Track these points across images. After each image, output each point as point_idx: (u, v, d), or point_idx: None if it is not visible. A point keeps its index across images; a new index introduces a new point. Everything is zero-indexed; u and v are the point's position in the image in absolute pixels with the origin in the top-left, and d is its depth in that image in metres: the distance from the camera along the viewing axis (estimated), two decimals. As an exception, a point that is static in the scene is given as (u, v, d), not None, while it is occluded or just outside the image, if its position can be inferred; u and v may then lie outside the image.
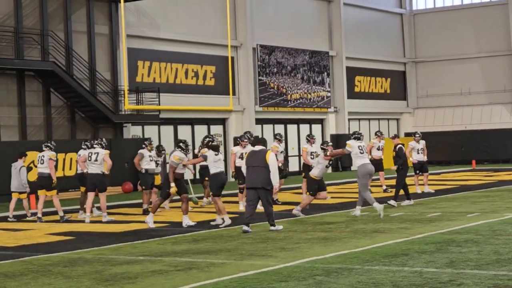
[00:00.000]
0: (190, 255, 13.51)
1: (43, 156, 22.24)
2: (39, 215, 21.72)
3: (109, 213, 21.73)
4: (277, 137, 24.79)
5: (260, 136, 23.52)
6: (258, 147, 17.56)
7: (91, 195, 21.11)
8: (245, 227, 16.89)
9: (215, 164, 18.77)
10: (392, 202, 21.45)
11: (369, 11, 53.16)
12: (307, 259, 12.51)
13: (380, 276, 10.63)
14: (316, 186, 19.67)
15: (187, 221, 18.78)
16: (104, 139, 22.43)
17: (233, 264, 12.39)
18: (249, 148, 22.36)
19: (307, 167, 23.42)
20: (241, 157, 22.19)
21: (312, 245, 14.22)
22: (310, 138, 24.80)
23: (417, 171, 26.62)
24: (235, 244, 14.88)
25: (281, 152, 24.04)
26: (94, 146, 21.67)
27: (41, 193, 22.09)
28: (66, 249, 15.10)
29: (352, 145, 19.34)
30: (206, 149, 19.57)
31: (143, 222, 19.21)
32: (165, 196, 19.49)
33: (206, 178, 22.75)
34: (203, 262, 12.66)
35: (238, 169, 22.43)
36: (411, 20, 56.63)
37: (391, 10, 55.34)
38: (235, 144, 23.89)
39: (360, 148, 19.29)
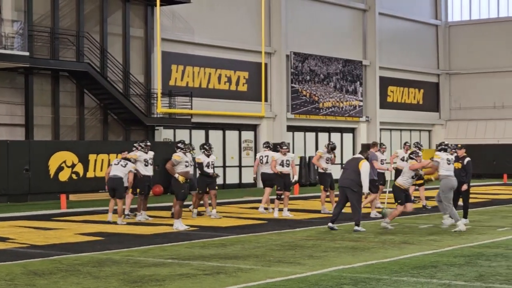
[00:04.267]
0: (218, 260, 13.53)
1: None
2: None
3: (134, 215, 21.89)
4: (379, 147, 24.91)
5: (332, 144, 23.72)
6: (357, 155, 18.99)
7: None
8: (330, 224, 18.49)
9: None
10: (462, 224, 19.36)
11: (404, 22, 52.99)
12: (335, 267, 12.49)
13: (408, 288, 10.60)
14: (403, 195, 18.78)
15: (178, 224, 18.89)
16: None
17: (260, 270, 12.40)
18: (279, 155, 22.64)
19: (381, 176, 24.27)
20: (282, 164, 22.69)
21: (340, 254, 14.20)
22: (381, 147, 25.05)
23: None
24: (263, 250, 14.89)
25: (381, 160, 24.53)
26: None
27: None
28: (95, 249, 15.18)
29: (440, 156, 18.79)
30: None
31: (172, 225, 19.25)
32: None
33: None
34: (231, 267, 12.68)
35: (271, 175, 22.70)
36: (446, 32, 56.37)
37: (427, 21, 55.13)
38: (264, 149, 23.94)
39: (448, 160, 18.70)
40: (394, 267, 12.52)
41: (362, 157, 18.60)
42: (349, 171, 18.38)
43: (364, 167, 18.14)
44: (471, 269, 12.18)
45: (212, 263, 13.11)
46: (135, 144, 22.72)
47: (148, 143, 22.65)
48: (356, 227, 18.19)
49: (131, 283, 11.25)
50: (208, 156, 22.39)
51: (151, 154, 22.45)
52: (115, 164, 21.22)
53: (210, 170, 22.32)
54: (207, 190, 22.41)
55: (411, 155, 19.14)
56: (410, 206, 19.04)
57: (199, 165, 22.21)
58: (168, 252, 14.68)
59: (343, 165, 19.07)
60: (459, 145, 20.83)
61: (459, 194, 19.76)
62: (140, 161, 22.05)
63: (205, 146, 22.66)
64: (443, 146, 19.13)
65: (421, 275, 11.63)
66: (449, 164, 18.78)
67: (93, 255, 14.37)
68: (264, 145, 24.41)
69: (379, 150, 25.16)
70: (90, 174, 31.48)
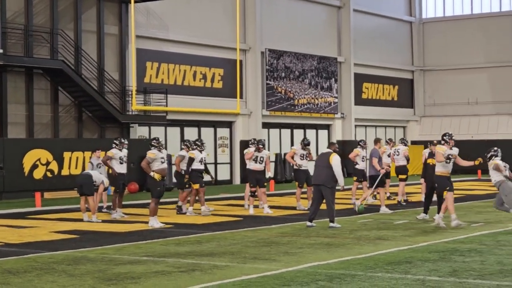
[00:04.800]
0: (193, 257, 13.53)
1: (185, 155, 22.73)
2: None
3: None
4: (360, 143, 25.63)
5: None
6: (325, 150, 18.93)
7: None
8: (308, 223, 18.43)
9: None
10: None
11: (378, 18, 53.17)
12: (310, 264, 12.53)
13: (382, 283, 10.64)
14: (449, 182, 18.32)
15: (154, 222, 18.89)
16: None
17: (236, 267, 12.42)
18: (265, 152, 22.77)
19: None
20: (255, 160, 22.95)
21: (315, 250, 14.24)
22: (363, 144, 25.56)
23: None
24: (239, 247, 14.90)
25: (363, 156, 25.07)
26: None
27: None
28: (70, 247, 15.14)
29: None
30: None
31: (147, 222, 19.21)
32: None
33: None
34: (206, 264, 12.69)
35: (249, 171, 22.80)
36: (420, 28, 56.61)
37: (401, 18, 55.35)
38: (244, 147, 24.10)
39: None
40: (369, 263, 12.58)
41: (331, 151, 18.59)
42: (321, 167, 18.37)
43: (335, 161, 18.13)
44: (445, 265, 12.26)
45: (187, 260, 13.11)
46: (196, 142, 23.07)
47: (123, 141, 22.62)
48: (331, 224, 18.25)
49: (106, 280, 11.23)
50: (200, 152, 22.49)
51: (125, 151, 22.43)
52: (90, 165, 21.41)
53: (202, 166, 22.45)
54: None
55: (443, 137, 18.68)
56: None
57: (190, 160, 22.16)
58: (143, 250, 14.66)
59: (315, 163, 19.13)
60: (435, 141, 20.94)
61: (433, 190, 19.93)
62: (116, 159, 22.02)
63: (197, 142, 22.71)
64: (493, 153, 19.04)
65: (396, 271, 11.69)
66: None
67: (68, 253, 14.33)
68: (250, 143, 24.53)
69: (361, 146, 25.41)
70: (65, 172, 31.36)
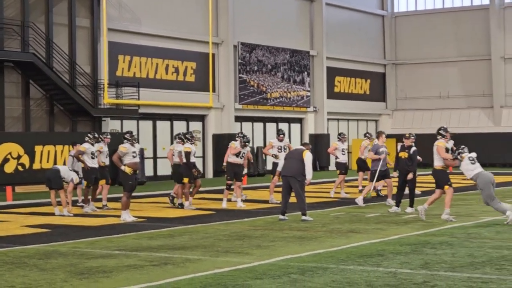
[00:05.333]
0: (166, 251, 13.51)
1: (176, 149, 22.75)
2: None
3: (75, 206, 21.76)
4: (339, 137, 26.26)
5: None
6: (299, 146, 19.07)
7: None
8: (281, 216, 18.47)
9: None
10: (410, 209, 20.14)
11: (351, 12, 53.27)
12: (282, 257, 12.55)
13: (354, 276, 10.68)
14: (447, 176, 18.52)
15: (126, 216, 18.85)
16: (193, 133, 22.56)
17: (208, 260, 12.41)
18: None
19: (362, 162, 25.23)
20: (237, 155, 22.86)
21: (288, 244, 14.26)
22: (342, 137, 26.04)
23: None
24: (211, 240, 14.90)
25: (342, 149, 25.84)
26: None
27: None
28: (42, 241, 15.06)
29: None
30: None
31: (119, 216, 19.15)
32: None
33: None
34: (179, 257, 12.67)
35: (229, 165, 22.77)
36: (392, 22, 56.80)
37: (373, 11, 55.49)
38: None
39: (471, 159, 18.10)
40: (341, 256, 12.62)
41: (305, 148, 18.71)
42: (292, 160, 18.48)
43: (308, 157, 18.30)
44: (417, 257, 12.33)
45: (159, 254, 13.08)
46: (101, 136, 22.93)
47: (96, 135, 22.58)
48: (303, 217, 18.29)
49: (78, 274, 11.19)
50: (191, 145, 22.44)
51: (97, 145, 22.35)
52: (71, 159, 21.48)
53: (194, 160, 22.38)
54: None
55: (439, 131, 18.75)
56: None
57: (187, 154, 22.07)
58: (115, 244, 14.61)
59: (285, 155, 19.32)
60: (406, 135, 21.03)
61: (405, 183, 20.10)
62: (87, 154, 21.94)
63: (187, 135, 22.60)
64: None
65: (368, 264, 11.74)
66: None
67: (40, 247, 14.25)
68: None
69: (340, 139, 25.55)
70: (36, 165, 31.18)
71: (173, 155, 23.09)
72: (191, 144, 22.30)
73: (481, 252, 12.78)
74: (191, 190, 22.53)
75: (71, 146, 23.94)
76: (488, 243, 14.00)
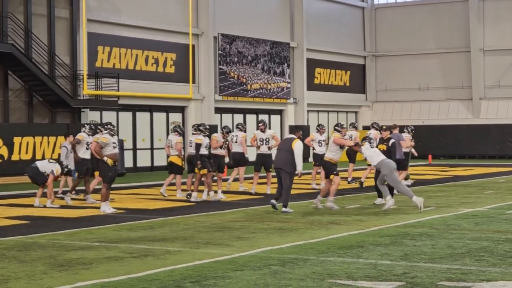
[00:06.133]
0: (146, 242, 13.47)
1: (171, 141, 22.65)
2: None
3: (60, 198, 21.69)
4: (317, 128, 26.25)
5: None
6: (289, 135, 19.17)
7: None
8: (273, 201, 18.58)
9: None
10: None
11: (331, 4, 53.29)
12: (262, 248, 12.55)
13: (334, 267, 10.69)
14: (336, 168, 19.30)
15: (105, 207, 18.79)
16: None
17: (188, 252, 12.39)
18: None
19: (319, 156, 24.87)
20: (221, 146, 23.11)
21: (268, 235, 14.26)
22: (320, 128, 26.05)
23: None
24: (192, 232, 14.87)
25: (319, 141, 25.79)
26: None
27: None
28: (21, 233, 14.98)
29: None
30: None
31: (99, 208, 19.09)
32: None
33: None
34: (159, 249, 12.64)
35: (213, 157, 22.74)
36: (372, 14, 56.88)
37: (353, 3, 55.52)
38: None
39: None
40: (321, 247, 12.63)
41: (295, 137, 18.81)
42: (283, 151, 18.60)
43: (297, 146, 18.35)
44: (397, 249, 12.36)
45: (139, 246, 13.05)
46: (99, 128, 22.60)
47: (93, 126, 22.75)
48: (284, 209, 18.30)
49: (57, 266, 11.13)
50: (205, 136, 22.32)
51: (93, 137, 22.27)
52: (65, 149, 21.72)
53: (207, 151, 22.18)
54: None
55: (335, 127, 20.05)
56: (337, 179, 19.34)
57: (198, 146, 21.95)
58: (95, 235, 14.56)
59: (277, 146, 19.48)
60: (384, 127, 21.12)
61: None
62: (82, 143, 21.87)
63: (200, 127, 22.44)
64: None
65: (348, 255, 11.76)
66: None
67: (19, 239, 14.17)
68: (238, 127, 24.89)
69: (318, 131, 25.66)
70: (15, 157, 31.02)
71: (170, 146, 22.98)
72: (204, 136, 22.15)
73: (460, 244, 12.83)
74: (193, 180, 22.53)
75: (65, 137, 23.90)
76: (467, 234, 14.06)
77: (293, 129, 19.78)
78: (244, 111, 45.90)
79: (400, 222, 16.13)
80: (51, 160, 21.39)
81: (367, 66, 56.69)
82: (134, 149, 39.00)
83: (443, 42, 54.37)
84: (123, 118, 38.24)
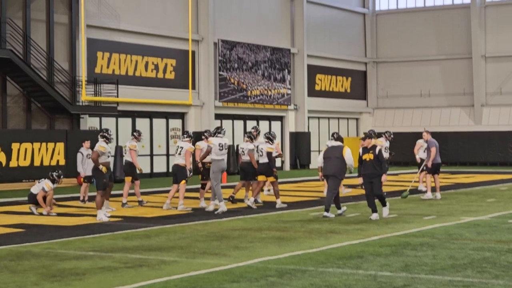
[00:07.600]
0: (142, 252, 13.22)
1: (181, 147, 21.54)
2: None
3: (60, 206, 21.43)
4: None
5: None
6: (336, 143, 19.33)
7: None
8: (325, 213, 18.72)
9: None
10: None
11: (331, 10, 53.10)
12: (260, 259, 12.29)
13: (333, 279, 10.44)
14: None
15: (102, 215, 18.55)
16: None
17: (184, 262, 12.14)
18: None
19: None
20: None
21: (266, 245, 14.00)
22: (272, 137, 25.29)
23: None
24: (188, 241, 14.62)
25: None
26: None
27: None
28: (14, 241, 14.74)
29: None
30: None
31: (96, 216, 18.84)
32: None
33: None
34: (154, 259, 12.39)
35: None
36: (373, 20, 56.69)
37: (354, 9, 55.35)
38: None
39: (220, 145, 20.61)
40: (320, 257, 12.37)
41: (342, 144, 19.12)
42: (333, 159, 18.82)
43: (348, 153, 18.75)
44: (397, 259, 12.10)
45: (135, 255, 12.79)
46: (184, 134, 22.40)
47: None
48: (325, 213, 18.66)
49: (49, 277, 10.88)
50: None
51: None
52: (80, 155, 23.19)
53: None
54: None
55: (265, 135, 22.10)
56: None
57: (269, 154, 21.76)
58: (90, 244, 14.30)
59: (324, 154, 19.22)
60: (363, 135, 20.49)
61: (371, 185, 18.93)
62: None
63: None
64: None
65: (347, 266, 11.51)
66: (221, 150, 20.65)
67: (12, 247, 13.93)
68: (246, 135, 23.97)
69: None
70: (13, 163, 30.77)
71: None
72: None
73: (462, 254, 12.57)
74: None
75: (82, 143, 23.98)
76: (469, 244, 13.80)
77: (338, 136, 19.78)
78: (244, 118, 45.67)
79: (400, 231, 15.87)
80: (40, 181, 21.10)
81: (368, 72, 56.47)
82: (134, 156, 38.67)
83: (445, 48, 54.16)
84: (122, 124, 38.00)
